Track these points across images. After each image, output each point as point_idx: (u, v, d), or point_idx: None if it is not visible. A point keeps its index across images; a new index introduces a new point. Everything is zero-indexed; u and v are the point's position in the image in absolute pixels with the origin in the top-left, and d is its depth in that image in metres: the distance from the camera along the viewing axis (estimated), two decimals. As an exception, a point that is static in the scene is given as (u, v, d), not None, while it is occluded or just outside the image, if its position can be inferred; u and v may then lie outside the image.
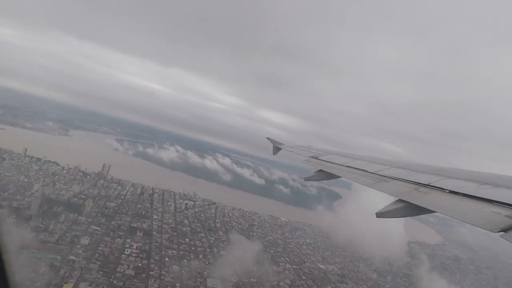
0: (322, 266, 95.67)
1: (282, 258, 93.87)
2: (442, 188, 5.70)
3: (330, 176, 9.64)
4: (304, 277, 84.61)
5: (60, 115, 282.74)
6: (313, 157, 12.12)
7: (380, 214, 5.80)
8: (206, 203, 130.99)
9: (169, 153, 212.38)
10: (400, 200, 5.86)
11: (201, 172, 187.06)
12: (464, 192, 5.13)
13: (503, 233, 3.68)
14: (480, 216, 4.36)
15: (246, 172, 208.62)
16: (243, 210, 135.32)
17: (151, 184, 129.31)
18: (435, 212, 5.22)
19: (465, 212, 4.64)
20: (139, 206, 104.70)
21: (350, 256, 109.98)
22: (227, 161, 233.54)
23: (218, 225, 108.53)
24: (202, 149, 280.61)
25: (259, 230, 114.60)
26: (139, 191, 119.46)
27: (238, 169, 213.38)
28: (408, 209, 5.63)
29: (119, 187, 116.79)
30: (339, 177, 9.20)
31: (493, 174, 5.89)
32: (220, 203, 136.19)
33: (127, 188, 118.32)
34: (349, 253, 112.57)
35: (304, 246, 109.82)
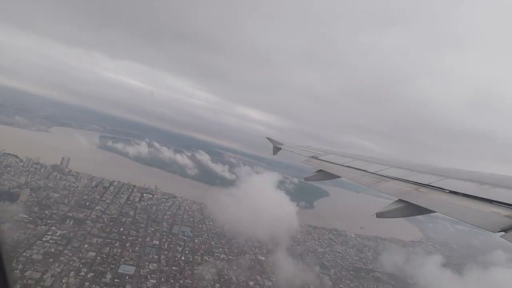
0: (262, 258, 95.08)
1: (221, 249, 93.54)
2: (442, 188, 5.79)
3: (330, 176, 9.72)
4: (235, 267, 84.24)
5: (49, 112, 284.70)
6: (313, 157, 12.25)
7: (380, 214, 5.84)
8: (165, 197, 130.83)
9: (148, 150, 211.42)
10: (400, 200, 5.92)
11: (176, 168, 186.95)
12: (464, 192, 5.23)
13: (503, 233, 3.71)
14: (480, 216, 4.41)
15: (219, 168, 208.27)
16: (204, 204, 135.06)
17: (113, 177, 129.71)
18: (435, 212, 5.25)
19: (465, 212, 4.68)
20: (85, 197, 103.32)
21: (301, 250, 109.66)
22: (205, 157, 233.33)
23: (166, 217, 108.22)
24: (188, 146, 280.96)
25: (211, 223, 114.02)
26: (93, 183, 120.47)
27: (213, 165, 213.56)
28: (408, 209, 5.70)
29: (72, 179, 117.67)
30: (339, 177, 9.30)
31: (493, 174, 5.98)
32: (181, 197, 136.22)
33: (82, 181, 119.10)
34: (303, 248, 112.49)
35: (253, 239, 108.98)
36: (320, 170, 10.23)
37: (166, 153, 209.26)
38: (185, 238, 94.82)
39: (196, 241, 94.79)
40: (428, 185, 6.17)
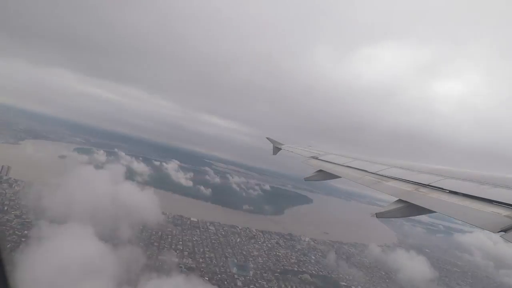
0: (176, 260, 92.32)
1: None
2: (442, 188, 5.86)
3: (330, 176, 9.77)
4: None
5: (31, 126, 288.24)
6: (313, 157, 12.34)
7: (380, 214, 5.95)
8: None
9: (111, 158, 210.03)
10: (400, 200, 5.99)
11: (141, 178, 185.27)
12: (464, 192, 5.30)
13: (503, 233, 3.77)
14: (480, 216, 4.47)
15: (179, 176, 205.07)
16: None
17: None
18: (435, 212, 5.35)
19: (465, 212, 4.74)
20: (6, 202, 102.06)
21: (231, 253, 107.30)
22: (172, 166, 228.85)
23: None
24: (168, 156, 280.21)
25: (141, 227, 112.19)
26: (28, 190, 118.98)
27: (174, 173, 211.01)
28: (408, 209, 5.80)
29: (5, 186, 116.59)
30: (339, 177, 9.34)
31: (493, 174, 6.06)
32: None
33: (16, 188, 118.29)
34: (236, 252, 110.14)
35: (181, 243, 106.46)
36: (320, 170, 10.23)
37: (128, 161, 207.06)
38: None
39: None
40: (428, 185, 6.17)
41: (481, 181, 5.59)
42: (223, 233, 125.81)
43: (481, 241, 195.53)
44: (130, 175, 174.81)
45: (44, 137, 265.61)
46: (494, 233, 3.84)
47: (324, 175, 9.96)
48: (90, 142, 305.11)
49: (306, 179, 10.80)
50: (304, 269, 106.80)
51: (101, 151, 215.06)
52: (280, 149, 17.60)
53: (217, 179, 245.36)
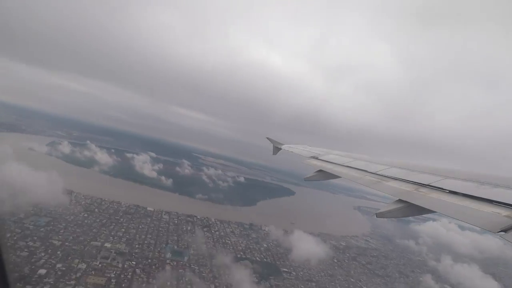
0: (108, 245, 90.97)
1: (60, 236, 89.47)
2: (442, 188, 5.85)
3: (330, 176, 9.77)
4: (59, 252, 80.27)
5: (10, 119, 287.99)
6: (313, 157, 12.32)
7: (380, 214, 5.92)
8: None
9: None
10: (400, 200, 5.97)
11: (99, 168, 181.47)
12: (464, 192, 5.27)
13: (503, 233, 3.75)
14: (480, 216, 4.42)
15: (145, 167, 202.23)
16: (101, 199, 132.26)
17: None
18: (435, 212, 5.31)
19: (465, 212, 4.69)
20: None
21: (175, 241, 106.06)
22: (142, 158, 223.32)
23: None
24: (148, 149, 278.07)
25: (86, 215, 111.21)
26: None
27: (141, 165, 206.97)
28: (408, 209, 5.76)
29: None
30: (339, 177, 9.34)
31: (493, 174, 6.06)
32: (79, 193, 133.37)
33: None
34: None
35: (123, 230, 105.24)
36: (320, 170, 10.20)
37: (93, 152, 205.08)
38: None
39: (42, 229, 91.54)
40: (428, 185, 6.18)
41: (481, 181, 5.58)
42: (176, 221, 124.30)
43: (437, 231, 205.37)
44: (90, 165, 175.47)
45: (22, 130, 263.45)
46: (494, 233, 3.78)
47: (324, 175, 9.90)
48: (73, 135, 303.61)
49: (306, 179, 10.69)
50: (249, 256, 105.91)
51: (66, 142, 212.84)
52: (280, 149, 17.52)
53: (188, 171, 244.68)
